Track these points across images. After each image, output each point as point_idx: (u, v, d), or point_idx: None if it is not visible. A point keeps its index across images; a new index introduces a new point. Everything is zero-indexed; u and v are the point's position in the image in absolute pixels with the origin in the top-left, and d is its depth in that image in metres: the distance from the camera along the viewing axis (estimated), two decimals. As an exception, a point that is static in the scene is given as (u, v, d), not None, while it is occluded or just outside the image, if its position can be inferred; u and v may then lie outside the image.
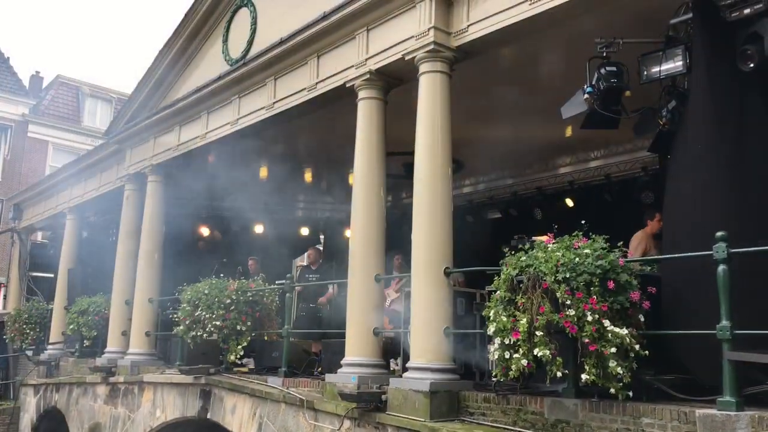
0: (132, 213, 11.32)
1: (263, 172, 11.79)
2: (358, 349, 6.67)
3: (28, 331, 14.29)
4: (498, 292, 5.20)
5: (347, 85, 7.24)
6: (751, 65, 4.77)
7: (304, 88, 7.92)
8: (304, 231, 14.38)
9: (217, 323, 8.33)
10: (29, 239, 17.08)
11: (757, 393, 4.31)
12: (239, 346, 8.42)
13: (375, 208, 6.91)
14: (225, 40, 9.67)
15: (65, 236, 14.04)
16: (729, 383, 4.22)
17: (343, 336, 6.88)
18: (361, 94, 7.10)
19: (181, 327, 8.80)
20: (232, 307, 8.38)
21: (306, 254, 10.54)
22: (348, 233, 13.80)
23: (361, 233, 6.89)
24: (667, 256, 5.07)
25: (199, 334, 8.58)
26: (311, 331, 8.62)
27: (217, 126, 9.52)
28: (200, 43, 10.35)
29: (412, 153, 6.48)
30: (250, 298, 8.51)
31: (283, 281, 8.44)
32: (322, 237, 15.01)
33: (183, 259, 10.87)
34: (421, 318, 6.13)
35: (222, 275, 8.98)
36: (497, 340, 5.05)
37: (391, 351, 7.08)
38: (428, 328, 6.05)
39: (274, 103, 8.41)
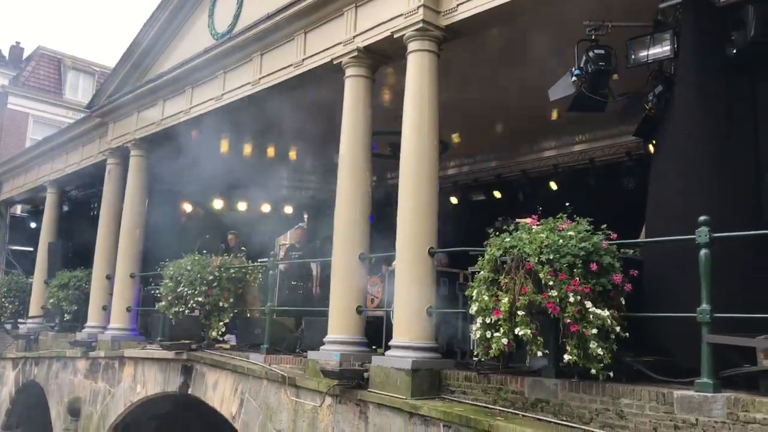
0: (114, 187, 11.22)
1: (247, 149, 11.70)
2: (340, 327, 6.69)
3: (6, 304, 14.16)
4: (481, 272, 5.22)
5: (334, 62, 7.18)
6: (734, 51, 4.78)
7: (291, 65, 7.83)
8: (288, 210, 14.35)
9: (200, 299, 8.34)
10: (8, 212, 16.85)
11: (734, 375, 4.37)
12: (221, 323, 8.42)
13: (360, 188, 6.90)
14: (211, 14, 9.52)
15: (45, 210, 13.89)
16: (707, 365, 4.27)
17: (326, 314, 6.89)
18: (349, 71, 7.04)
19: (163, 303, 8.79)
20: (215, 284, 8.38)
21: (290, 233, 10.53)
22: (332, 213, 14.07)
23: (346, 212, 6.88)
24: (650, 239, 5.10)
25: (181, 310, 8.58)
26: (294, 308, 8.64)
27: (201, 101, 9.41)
28: (186, 16, 10.19)
29: (398, 133, 6.45)
30: (233, 275, 8.52)
31: (266, 259, 8.43)
32: (306, 216, 14.99)
33: (166, 235, 10.80)
34: (404, 297, 6.15)
35: (205, 252, 8.97)
36: (479, 320, 5.07)
37: (375, 329, 7.11)
38: (411, 307, 6.08)
39: (260, 78, 8.32)
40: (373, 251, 6.85)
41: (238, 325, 8.85)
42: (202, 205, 13.45)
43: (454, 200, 12.22)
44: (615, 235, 4.94)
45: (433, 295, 6.15)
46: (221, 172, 11.47)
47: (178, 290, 8.58)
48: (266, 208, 13.34)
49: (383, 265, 8.08)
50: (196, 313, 8.54)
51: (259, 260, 9.20)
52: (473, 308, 5.12)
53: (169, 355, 8.65)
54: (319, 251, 9.38)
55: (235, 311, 8.55)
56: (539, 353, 4.78)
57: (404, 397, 5.66)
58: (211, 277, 8.38)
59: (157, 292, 9.15)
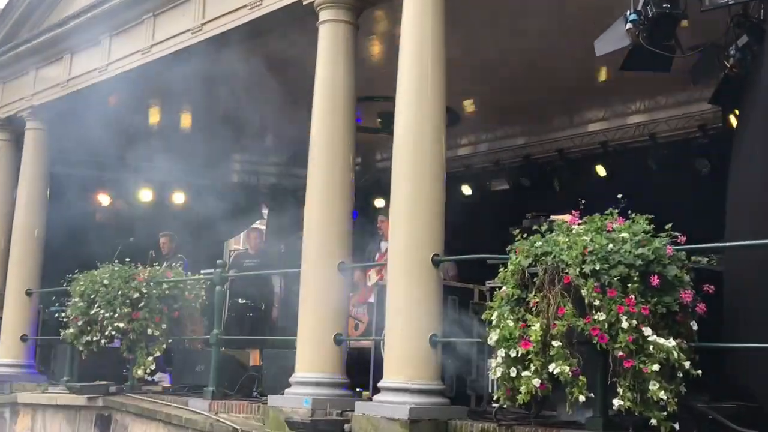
0: (4, 173, 11.16)
1: (185, 120, 11.70)
2: (313, 363, 6.71)
3: None
4: (504, 288, 5.24)
5: (304, 3, 7.18)
6: None
7: (245, 5, 7.84)
8: (241, 203, 14.34)
9: (121, 325, 8.36)
10: None
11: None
12: (150, 357, 8.44)
13: (339, 173, 6.92)
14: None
15: None
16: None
17: (292, 345, 6.94)
18: (324, 15, 7.05)
19: (71, 330, 8.82)
20: (142, 304, 8.41)
21: (244, 236, 10.60)
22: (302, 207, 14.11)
23: (320, 207, 6.91)
24: (732, 243, 5.13)
25: (95, 339, 8.59)
26: (250, 337, 8.66)
27: (122, 55, 9.41)
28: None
29: (392, 99, 6.47)
30: (167, 292, 8.55)
31: (212, 270, 8.44)
32: (265, 212, 15.01)
33: (74, 237, 10.77)
34: (399, 321, 6.16)
35: (128, 260, 8.97)
36: (501, 353, 5.09)
37: (360, 365, 7.14)
38: (409, 335, 6.09)
39: (202, 24, 8.33)
40: (358, 260, 6.86)
41: (174, 359, 8.83)
42: (124, 197, 13.45)
43: (466, 190, 12.28)
44: (683, 238, 4.96)
45: (438, 318, 6.16)
46: (150, 153, 11.45)
47: (92, 313, 8.60)
48: (211, 201, 13.30)
49: (367, 275, 8.15)
50: (117, 343, 8.54)
51: (202, 272, 9.24)
52: (493, 337, 5.14)
53: (80, 400, 8.61)
54: (283, 259, 9.40)
55: (170, 341, 8.57)
56: (582, 398, 4.80)
57: (399, 458, 5.69)
58: (136, 295, 8.40)
59: (63, 315, 9.13)
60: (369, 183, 12.34)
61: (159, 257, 10.18)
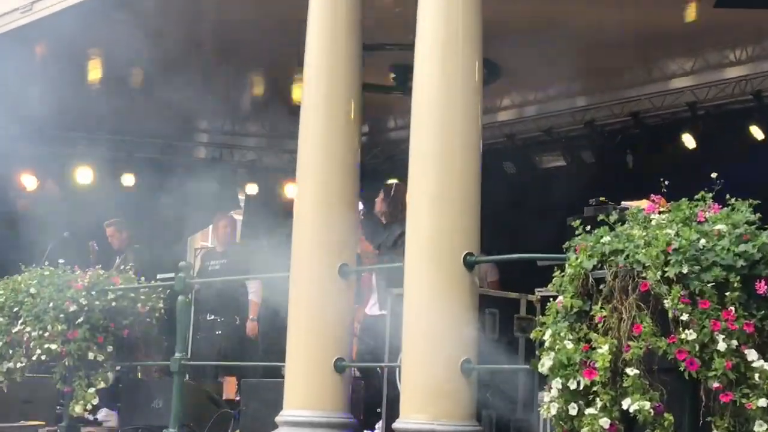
0: None
1: (136, 77, 11.69)
2: (307, 397, 6.77)
3: None
4: (560, 298, 5.23)
5: None
6: None
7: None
8: (211, 186, 14.36)
9: (53, 347, 8.35)
10: None
11: None
12: (92, 390, 8.43)
13: (341, 146, 6.96)
14: None
15: None
16: None
17: (279, 373, 7.01)
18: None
19: (-13, 354, 8.89)
20: (81, 320, 8.42)
21: (213, 228, 10.62)
22: (288, 190, 14.16)
23: (316, 191, 6.97)
24: None
25: (19, 366, 8.60)
26: (222, 363, 8.72)
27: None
28: None
29: (410, 47, 6.48)
30: (114, 304, 8.59)
31: (172, 275, 8.47)
32: (242, 198, 15.03)
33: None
34: (420, 342, 6.20)
35: (62, 262, 8.99)
36: (556, 384, 5.09)
37: (367, 399, 7.19)
38: (433, 361, 6.11)
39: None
40: (397, 271, 6.88)
41: (124, 392, 8.89)
42: (56, 178, 13.52)
43: (509, 168, 12.28)
44: (801, 232, 4.95)
45: (472, 338, 6.19)
46: (90, 120, 11.46)
47: (14, 331, 8.61)
48: (172, 183, 13.36)
49: (376, 282, 8.17)
50: (48, 371, 8.57)
51: (159, 277, 9.21)
52: (545, 363, 5.14)
53: (-2, 447, 8.69)
54: (263, 259, 9.42)
55: (118, 368, 8.62)
56: (665, 442, 4.81)
57: None
58: (73, 308, 8.41)
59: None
60: (379, 159, 12.36)
61: (104, 254, 10.24)
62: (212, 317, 9.55)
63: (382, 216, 8.66)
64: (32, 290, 8.61)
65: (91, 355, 8.40)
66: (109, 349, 8.48)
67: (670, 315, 4.79)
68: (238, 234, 12.61)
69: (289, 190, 13.68)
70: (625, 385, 4.84)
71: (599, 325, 4.99)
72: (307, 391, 6.75)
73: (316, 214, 6.94)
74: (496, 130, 12.08)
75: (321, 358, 6.75)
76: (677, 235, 4.92)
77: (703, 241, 4.85)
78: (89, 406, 8.53)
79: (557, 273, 5.29)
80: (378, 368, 7.36)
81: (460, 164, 6.30)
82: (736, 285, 4.74)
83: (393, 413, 6.40)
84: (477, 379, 6.15)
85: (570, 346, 5.05)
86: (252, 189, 14.84)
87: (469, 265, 6.18)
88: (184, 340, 8.11)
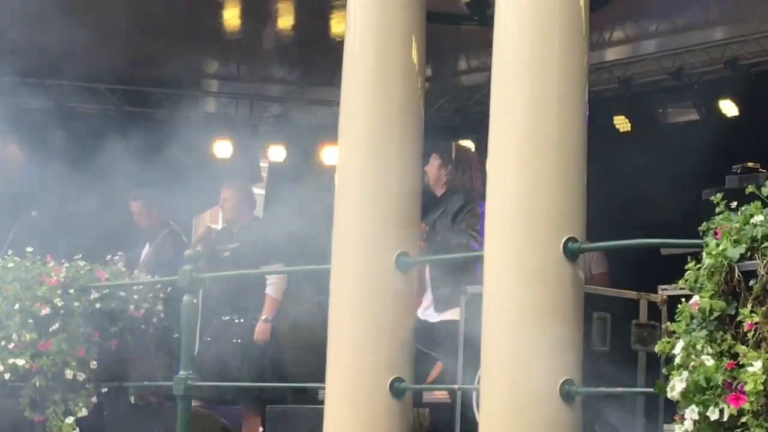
0: None
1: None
2: (353, 429, 6.80)
3: None
4: (695, 298, 5.20)
5: None
6: None
7: None
8: (223, 147, 14.45)
9: (20, 362, 8.44)
10: None
11: None
12: (70, 419, 8.51)
13: (398, 95, 6.97)
14: None
15: None
16: None
17: (314, 398, 7.14)
18: None
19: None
20: (55, 326, 8.50)
21: (222, 201, 10.65)
22: (326, 155, 14.17)
23: (364, 155, 6.99)
24: None
25: None
26: (240, 384, 8.82)
27: None
28: None
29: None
30: (98, 306, 8.66)
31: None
32: (264, 165, 15.05)
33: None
34: (505, 357, 6.20)
35: (30, 250, 9.04)
36: (691, 412, 5.06)
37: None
38: (524, 381, 6.10)
39: None
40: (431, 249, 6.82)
41: (110, 422, 8.93)
42: (23, 139, 13.72)
43: (622, 125, 12.18)
44: None
45: (575, 352, 6.17)
46: (67, 58, 11.55)
47: (-31, 341, 8.75)
48: (174, 144, 13.44)
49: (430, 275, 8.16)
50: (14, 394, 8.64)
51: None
52: (676, 386, 5.11)
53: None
54: (290, 244, 9.42)
55: (104, 390, 8.70)
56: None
57: None
58: (46, 311, 8.48)
59: None
60: (446, 112, 12.30)
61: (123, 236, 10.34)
62: (227, 317, 9.63)
63: (436, 186, 8.68)
64: (-8, 286, 8.74)
65: (69, 373, 8.45)
66: (93, 365, 8.54)
67: None
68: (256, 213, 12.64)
69: (328, 155, 13.73)
70: (785, 416, 4.80)
71: (749, 335, 4.94)
72: (353, 421, 6.77)
73: (366, 186, 6.95)
74: (604, 73, 12.00)
75: (373, 378, 6.76)
76: None
77: None
78: (65, 438, 8.65)
79: (690, 264, 5.22)
80: (448, 392, 7.33)
81: (559, 120, 6.25)
82: None
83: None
84: (581, 406, 6.12)
85: (710, 363, 4.99)
86: (278, 153, 14.95)
87: (572, 253, 6.12)
88: (191, 353, 8.12)
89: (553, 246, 6.11)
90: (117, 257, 9.34)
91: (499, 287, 6.25)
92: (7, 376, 8.50)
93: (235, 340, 9.52)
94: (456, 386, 7.16)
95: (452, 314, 8.22)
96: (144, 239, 10.89)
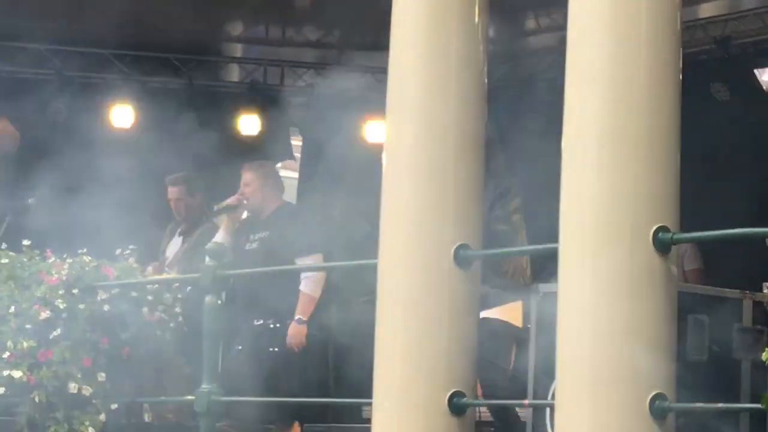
0: None
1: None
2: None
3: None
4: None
5: None
6: None
7: None
8: (249, 122, 14.46)
9: (17, 374, 8.48)
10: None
11: None
12: (75, 440, 8.58)
13: (457, 60, 6.98)
14: None
15: None
16: None
17: (358, 416, 6.87)
18: None
19: None
20: (57, 332, 8.55)
21: (242, 186, 10.82)
22: (370, 130, 14.16)
23: (417, 131, 7.00)
24: None
25: None
26: (273, 399, 8.91)
27: None
28: None
29: None
30: (106, 309, 8.71)
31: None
32: (297, 143, 15.04)
33: None
34: (586, 366, 6.24)
35: (28, 243, 9.13)
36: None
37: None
38: (608, 396, 6.16)
39: None
40: (493, 240, 6.84)
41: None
42: (16, 112, 13.64)
43: (720, 93, 12.08)
44: None
45: (667, 361, 6.20)
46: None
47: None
48: (189, 120, 13.49)
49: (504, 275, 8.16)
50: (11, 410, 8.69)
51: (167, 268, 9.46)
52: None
53: None
54: (336, 236, 9.39)
55: (114, 407, 8.73)
56: None
57: None
58: (46, 314, 8.54)
59: None
60: (511, 82, 12.31)
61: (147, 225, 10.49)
62: (260, 322, 9.70)
63: None
64: (-20, 285, 8.74)
65: (73, 387, 8.51)
66: (101, 377, 8.61)
67: None
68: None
69: (372, 131, 13.83)
70: None
71: None
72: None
73: (419, 167, 6.97)
74: (698, 32, 11.97)
75: (428, 392, 6.79)
76: None
77: None
78: (71, 463, 8.62)
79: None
80: (517, 407, 7.36)
81: (648, 88, 6.28)
82: None
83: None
84: (674, 424, 6.13)
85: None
86: (313, 129, 14.94)
87: (663, 245, 6.16)
88: (215, 363, 8.18)
89: (641, 236, 6.14)
90: (128, 251, 9.33)
91: (578, 285, 6.28)
92: (1, 390, 8.53)
93: (271, 349, 9.62)
94: (526, 402, 7.15)
95: (490, 313, 8.27)
96: (172, 230, 11.09)
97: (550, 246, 6.59)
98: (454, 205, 6.95)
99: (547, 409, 6.53)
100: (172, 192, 11.44)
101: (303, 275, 9.80)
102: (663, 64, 6.33)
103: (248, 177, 10.72)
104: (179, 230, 11.03)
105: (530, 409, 7.12)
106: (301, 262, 9.78)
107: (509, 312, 8.60)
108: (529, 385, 7.16)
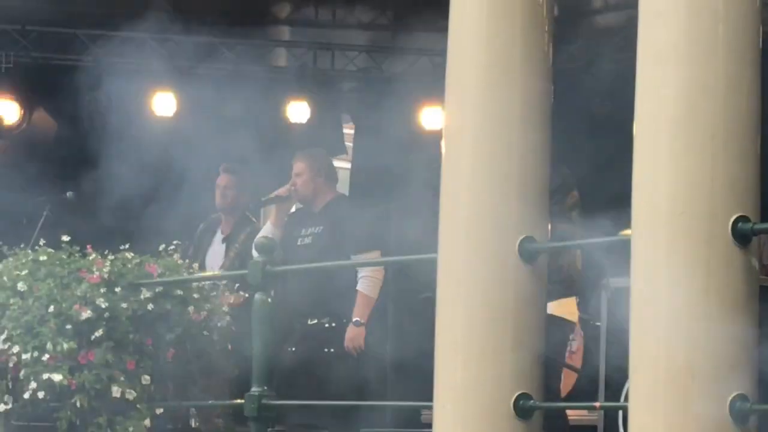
0: None
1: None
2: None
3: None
4: None
5: None
6: None
7: None
8: (298, 110, 14.47)
9: (57, 378, 8.46)
10: None
11: None
12: (117, 445, 8.59)
13: (521, 43, 6.90)
14: None
15: None
16: None
17: (417, 421, 6.91)
18: None
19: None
20: (99, 333, 8.54)
21: (293, 176, 10.80)
22: (427, 117, 14.17)
23: (477, 116, 6.90)
24: None
25: (2, 410, 8.75)
26: (328, 403, 8.87)
27: None
28: None
29: None
30: (150, 308, 8.68)
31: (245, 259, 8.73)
32: (349, 132, 15.03)
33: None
34: (662, 367, 6.12)
35: (67, 239, 9.07)
36: None
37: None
38: (682, 398, 6.03)
39: None
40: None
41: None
42: (49, 105, 13.75)
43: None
44: None
45: (749, 361, 6.08)
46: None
47: (-6, 352, 8.80)
48: (233, 109, 13.48)
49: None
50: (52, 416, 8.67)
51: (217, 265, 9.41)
52: None
53: None
54: (382, 228, 9.38)
55: (159, 411, 8.72)
56: None
57: None
58: (87, 314, 8.52)
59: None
60: (578, 62, 12.22)
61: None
62: (314, 321, 9.60)
63: None
64: (20, 286, 8.70)
65: (116, 391, 8.49)
66: (145, 380, 8.58)
67: None
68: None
69: (429, 117, 13.70)
70: None
71: None
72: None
73: (480, 155, 6.88)
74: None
75: (492, 394, 6.71)
76: None
77: None
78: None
79: None
80: (588, 410, 7.26)
81: (725, 68, 6.13)
82: None
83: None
84: (757, 428, 6.04)
85: None
86: (366, 117, 14.82)
87: (743, 236, 6.02)
88: (265, 365, 8.09)
89: (719, 227, 6.02)
90: (172, 247, 9.33)
91: (652, 280, 6.15)
92: (41, 394, 8.52)
93: (326, 350, 9.54)
94: (597, 404, 7.08)
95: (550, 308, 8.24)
96: (205, 235, 11.09)
97: (620, 238, 6.58)
98: (517, 195, 6.87)
99: (620, 413, 6.37)
100: (224, 179, 11.52)
101: (360, 274, 9.80)
102: (742, 43, 6.20)
103: (299, 167, 10.68)
104: (221, 237, 11.07)
105: (601, 412, 6.98)
106: (357, 259, 9.75)
107: (564, 307, 8.70)
108: (600, 386, 7.12)
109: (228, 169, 11.60)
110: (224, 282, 8.96)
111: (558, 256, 7.79)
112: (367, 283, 9.73)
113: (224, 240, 10.72)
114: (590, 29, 12.43)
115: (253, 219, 10.65)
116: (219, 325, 8.89)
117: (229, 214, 11.09)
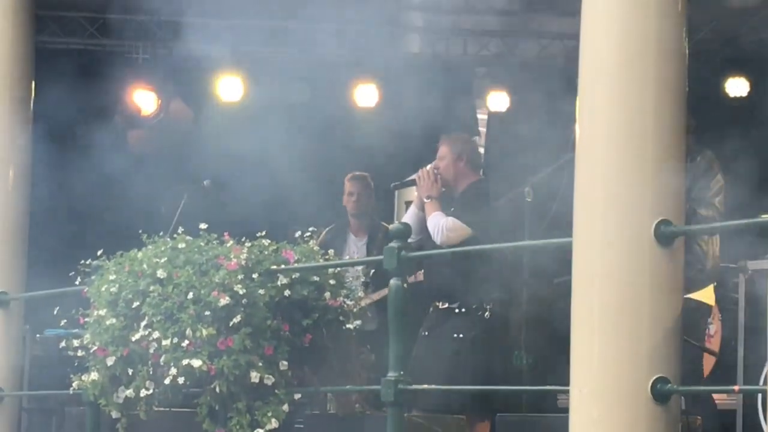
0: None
1: None
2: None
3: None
4: None
5: None
6: None
7: None
8: (431, 97, 14.43)
9: (196, 363, 8.56)
10: None
11: None
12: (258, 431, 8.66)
13: (656, 25, 6.91)
14: None
15: None
16: None
17: (553, 405, 6.75)
18: None
19: (93, 376, 9.13)
20: (237, 319, 8.62)
21: (437, 160, 10.84)
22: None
23: (612, 103, 6.93)
24: None
25: (144, 395, 8.86)
26: (462, 388, 8.91)
27: None
28: None
29: None
30: (287, 294, 8.77)
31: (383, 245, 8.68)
32: (482, 116, 15.01)
33: (87, 184, 11.16)
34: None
35: (205, 227, 9.20)
36: None
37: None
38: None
39: None
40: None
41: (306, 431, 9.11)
42: (185, 95, 14.05)
43: None
44: None
45: None
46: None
47: (134, 339, 8.87)
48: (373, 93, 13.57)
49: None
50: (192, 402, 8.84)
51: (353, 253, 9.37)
52: None
53: None
54: (527, 213, 9.33)
55: (298, 397, 8.79)
56: None
57: None
58: (225, 301, 8.59)
59: (75, 345, 9.52)
60: (712, 44, 12.09)
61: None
62: (444, 306, 9.68)
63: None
64: (160, 273, 8.83)
65: (254, 376, 8.55)
66: (283, 365, 8.65)
67: None
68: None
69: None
70: None
71: None
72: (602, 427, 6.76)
73: (614, 138, 6.90)
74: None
75: (629, 378, 6.72)
76: None
77: None
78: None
79: None
80: (727, 393, 7.25)
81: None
82: None
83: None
84: None
85: None
86: (499, 101, 15.00)
87: None
88: (401, 350, 8.12)
89: None
90: (308, 234, 9.37)
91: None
92: (181, 380, 8.62)
93: (456, 335, 9.64)
94: (736, 387, 7.05)
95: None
96: (335, 238, 11.22)
97: (762, 220, 6.50)
98: (653, 177, 6.82)
99: (759, 396, 6.40)
100: (351, 186, 11.81)
101: (433, 231, 9.88)
102: None
103: (443, 150, 10.73)
104: (354, 239, 11.34)
105: (740, 396, 6.95)
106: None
107: (701, 290, 8.55)
108: (738, 370, 7.05)
109: (358, 178, 11.80)
110: (362, 279, 8.89)
111: (702, 244, 7.76)
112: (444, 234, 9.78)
113: (366, 243, 10.79)
114: (726, 10, 12.29)
115: (384, 224, 10.85)
116: (355, 311, 8.94)
117: (361, 217, 11.25)
